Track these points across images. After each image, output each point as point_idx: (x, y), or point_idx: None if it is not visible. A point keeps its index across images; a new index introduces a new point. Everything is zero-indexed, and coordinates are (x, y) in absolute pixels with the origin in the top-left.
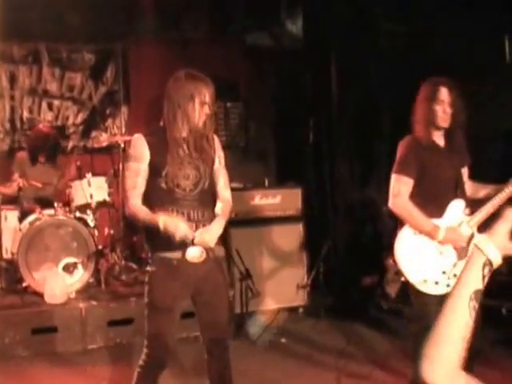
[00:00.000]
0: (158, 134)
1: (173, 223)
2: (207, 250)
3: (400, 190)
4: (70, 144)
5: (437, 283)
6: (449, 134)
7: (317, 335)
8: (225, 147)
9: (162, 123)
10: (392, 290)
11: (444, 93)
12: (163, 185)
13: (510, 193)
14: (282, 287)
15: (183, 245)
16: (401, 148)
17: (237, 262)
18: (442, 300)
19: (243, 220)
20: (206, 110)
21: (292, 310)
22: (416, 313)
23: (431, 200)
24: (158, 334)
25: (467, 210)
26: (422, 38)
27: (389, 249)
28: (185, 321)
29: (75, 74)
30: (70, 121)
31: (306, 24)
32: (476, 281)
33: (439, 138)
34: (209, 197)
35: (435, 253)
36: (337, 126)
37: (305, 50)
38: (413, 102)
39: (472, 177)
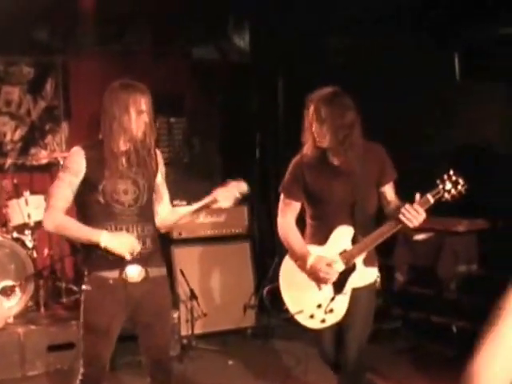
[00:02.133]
0: (96, 147)
1: (117, 240)
2: (146, 269)
3: (282, 210)
4: (8, 161)
5: (312, 316)
6: (344, 152)
7: (265, 356)
8: (168, 163)
9: (100, 136)
10: None
11: (324, 111)
12: (101, 199)
13: (393, 229)
14: (230, 308)
15: (121, 263)
16: (289, 167)
17: (181, 283)
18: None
19: (187, 239)
20: (145, 118)
21: (240, 332)
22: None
23: (319, 223)
24: (93, 354)
25: (360, 237)
26: (369, 53)
27: None
28: (129, 344)
29: (13, 88)
30: (8, 137)
31: (254, 38)
32: None
33: (333, 157)
34: (149, 212)
35: (313, 284)
36: (283, 141)
37: (252, 65)
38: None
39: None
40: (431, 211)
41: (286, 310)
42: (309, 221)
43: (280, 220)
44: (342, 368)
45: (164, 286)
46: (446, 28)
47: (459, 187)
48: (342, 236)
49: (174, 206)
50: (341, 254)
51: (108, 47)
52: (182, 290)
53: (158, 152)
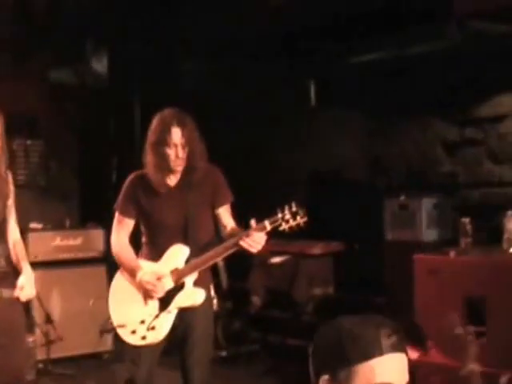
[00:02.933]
0: None
1: None
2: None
3: (116, 228)
4: None
5: (133, 332)
6: (185, 173)
7: (120, 381)
8: (24, 186)
9: None
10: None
11: (176, 135)
12: None
13: (228, 250)
14: (86, 332)
15: None
16: (124, 185)
17: (37, 307)
18: (151, 355)
19: (43, 262)
20: None
21: (96, 356)
22: (127, 356)
23: (153, 242)
24: None
25: (194, 259)
26: (226, 78)
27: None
28: None
29: None
30: None
31: (111, 62)
32: None
33: (170, 179)
34: (3, 232)
35: (140, 299)
36: (140, 165)
37: (109, 89)
38: (211, 144)
39: None
40: (286, 235)
41: (110, 323)
42: (144, 239)
43: (113, 237)
44: None
45: (17, 307)
46: (303, 55)
47: (298, 218)
48: (177, 255)
49: (29, 229)
50: (172, 271)
51: None
52: (38, 314)
53: (9, 172)
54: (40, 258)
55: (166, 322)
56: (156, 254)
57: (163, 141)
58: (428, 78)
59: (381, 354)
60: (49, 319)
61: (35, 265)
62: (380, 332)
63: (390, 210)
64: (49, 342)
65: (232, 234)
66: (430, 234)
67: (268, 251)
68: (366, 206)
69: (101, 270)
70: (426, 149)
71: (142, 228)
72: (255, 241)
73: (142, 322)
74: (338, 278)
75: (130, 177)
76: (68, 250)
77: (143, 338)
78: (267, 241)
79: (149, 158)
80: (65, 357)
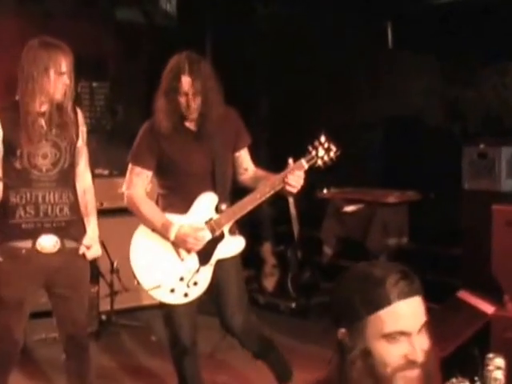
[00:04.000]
0: (12, 109)
1: None
2: (62, 239)
3: (132, 181)
4: None
5: (172, 291)
6: (201, 118)
7: None
8: (90, 131)
9: (17, 97)
10: (269, 283)
11: (186, 84)
12: (18, 165)
13: (275, 187)
14: None
15: (35, 233)
16: (139, 134)
17: (102, 255)
18: (189, 310)
19: (109, 209)
20: (65, 80)
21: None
22: (164, 319)
23: (178, 193)
24: (5, 329)
25: (224, 206)
26: (300, 22)
27: (266, 239)
28: (42, 321)
29: None
30: None
31: (181, 2)
32: None
33: (189, 124)
34: (69, 178)
35: (173, 255)
36: None
37: (178, 29)
38: (289, 86)
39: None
40: (361, 182)
41: (139, 285)
42: (162, 191)
43: (128, 192)
44: (236, 336)
45: (81, 257)
46: None
47: (331, 154)
48: (206, 204)
49: (95, 175)
50: (207, 222)
51: (26, 8)
52: (103, 264)
53: (80, 113)
54: (106, 206)
55: (207, 275)
56: (182, 205)
57: (174, 88)
58: (509, 22)
59: (389, 303)
60: (114, 269)
61: (101, 212)
62: (386, 280)
63: (468, 159)
64: (113, 293)
65: (259, 177)
66: (509, 184)
67: (341, 199)
68: (443, 154)
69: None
70: (506, 94)
71: (161, 179)
72: (297, 180)
73: (181, 278)
74: (414, 228)
75: (146, 125)
76: None
77: (186, 295)
78: (342, 188)
79: (160, 103)
80: (129, 307)
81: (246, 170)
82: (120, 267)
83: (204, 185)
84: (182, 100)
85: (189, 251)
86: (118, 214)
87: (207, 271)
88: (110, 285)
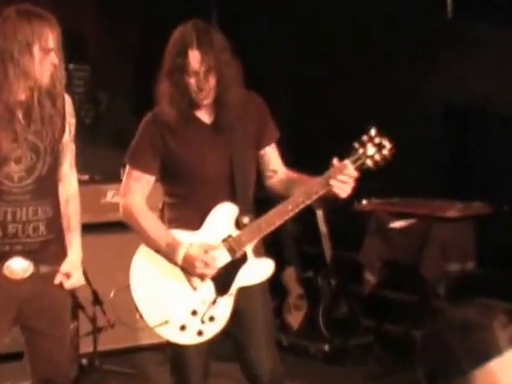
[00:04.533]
0: None
1: None
2: (36, 263)
3: (130, 187)
4: None
5: (183, 328)
6: (217, 105)
7: None
8: None
9: None
10: (294, 319)
11: (195, 60)
12: None
13: (313, 195)
14: None
15: (3, 255)
16: (139, 128)
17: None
18: (202, 352)
19: (91, 225)
20: (53, 58)
21: (158, 348)
22: (171, 364)
23: (188, 203)
24: None
25: (247, 219)
26: None
27: (289, 263)
28: (9, 365)
29: None
30: None
31: None
32: None
33: (201, 113)
34: (47, 187)
35: (184, 283)
36: None
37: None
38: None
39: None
40: (412, 192)
41: (141, 318)
42: (168, 200)
43: (124, 201)
44: None
45: (60, 284)
46: None
47: (384, 151)
48: (224, 217)
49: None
50: (224, 240)
51: None
52: (83, 293)
53: (68, 99)
54: (87, 220)
55: (226, 308)
56: (194, 219)
57: (180, 67)
58: None
59: (499, 352)
60: (97, 300)
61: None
62: (491, 325)
63: None
64: (96, 330)
65: (292, 181)
66: None
67: (387, 212)
68: None
69: None
70: None
71: (167, 185)
72: (346, 181)
73: (194, 312)
74: (482, 250)
75: (148, 117)
76: None
77: (200, 333)
78: (387, 198)
79: (163, 88)
80: (117, 349)
81: (274, 172)
82: (105, 297)
83: (221, 192)
84: (192, 81)
85: (202, 278)
86: (101, 230)
87: (226, 303)
88: (93, 320)
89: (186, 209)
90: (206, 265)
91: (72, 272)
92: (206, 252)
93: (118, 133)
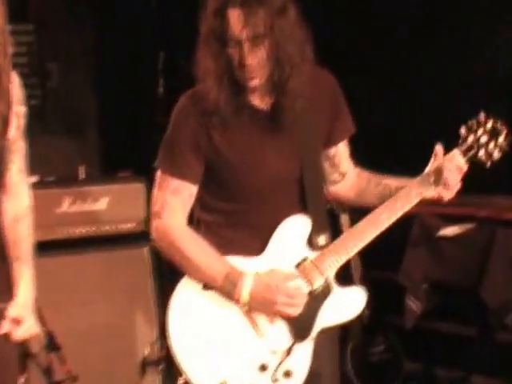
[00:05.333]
0: None
1: None
2: None
3: (167, 202)
4: None
5: None
6: (275, 86)
7: None
8: None
9: None
10: None
11: (236, 23)
12: None
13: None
14: (118, 366)
15: None
16: (173, 116)
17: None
18: None
19: (42, 243)
20: None
21: None
22: None
23: (243, 221)
24: None
25: (323, 238)
26: None
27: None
28: None
29: None
30: None
31: None
32: None
33: (255, 97)
34: None
35: (246, 329)
36: None
37: None
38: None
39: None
40: (469, 186)
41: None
42: (209, 217)
43: (162, 222)
44: None
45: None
46: None
47: (500, 139)
48: (294, 236)
49: None
50: (299, 265)
51: None
52: (35, 337)
53: (16, 79)
54: (37, 237)
55: (305, 358)
56: (252, 241)
57: (217, 32)
58: None
59: None
60: (53, 345)
61: None
62: None
63: None
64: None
65: (371, 184)
66: None
67: (435, 216)
68: None
69: (141, 254)
70: None
71: (208, 197)
72: (454, 177)
73: (263, 368)
74: None
75: (183, 101)
76: (84, 221)
77: None
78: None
79: (205, 60)
80: None
81: (343, 175)
82: (63, 339)
83: (287, 204)
84: (233, 52)
85: (272, 319)
86: (55, 249)
87: (306, 351)
88: (47, 371)
89: (241, 228)
90: (291, 298)
91: (23, 317)
92: (286, 280)
93: (75, 116)
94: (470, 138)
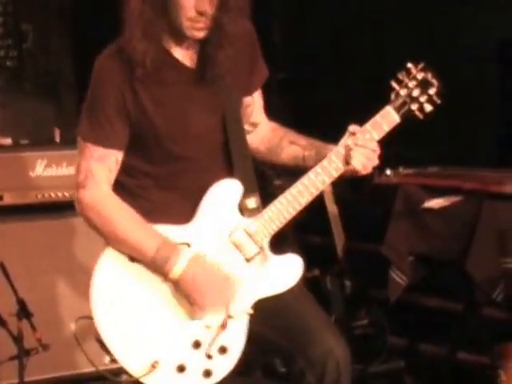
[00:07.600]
0: None
1: None
2: None
3: (92, 171)
4: None
5: (182, 369)
6: (207, 41)
7: None
8: None
9: None
10: None
11: None
12: None
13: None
14: (90, 336)
15: None
16: (94, 75)
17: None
18: None
19: (15, 207)
20: None
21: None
22: None
23: (169, 186)
24: None
25: (253, 201)
26: None
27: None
28: None
29: None
30: None
31: None
32: None
33: (180, 53)
34: None
35: (177, 304)
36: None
37: None
38: None
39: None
40: (455, 158)
41: (114, 362)
42: (134, 181)
43: (86, 192)
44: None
45: None
46: None
47: (431, 92)
48: (224, 201)
49: None
50: (231, 235)
51: None
52: (4, 302)
53: None
54: (8, 200)
55: (241, 332)
56: (180, 207)
57: None
58: None
59: None
60: (24, 312)
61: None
62: None
63: None
64: (24, 354)
65: (285, 141)
66: None
67: (420, 187)
68: None
69: None
70: None
71: (132, 160)
72: (367, 152)
73: (196, 344)
74: None
75: (107, 54)
76: (58, 185)
77: (207, 373)
78: (421, 168)
79: (135, 4)
80: (53, 378)
81: (254, 125)
82: (35, 307)
83: (214, 167)
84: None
85: (219, 297)
86: (29, 214)
87: (241, 325)
88: (17, 339)
89: (167, 193)
90: (220, 293)
91: None
92: (223, 280)
93: (51, 79)
94: (403, 92)
